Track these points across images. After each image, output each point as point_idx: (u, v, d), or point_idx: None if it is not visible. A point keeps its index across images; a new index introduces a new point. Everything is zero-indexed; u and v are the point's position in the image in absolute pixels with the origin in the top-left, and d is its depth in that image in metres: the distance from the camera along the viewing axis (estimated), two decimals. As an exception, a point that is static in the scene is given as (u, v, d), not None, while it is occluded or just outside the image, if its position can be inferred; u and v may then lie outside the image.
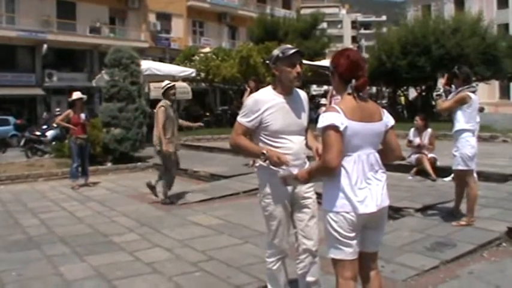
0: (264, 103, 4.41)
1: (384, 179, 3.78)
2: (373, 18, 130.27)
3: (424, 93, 29.82)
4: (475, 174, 9.58)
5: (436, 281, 5.60)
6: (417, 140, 11.41)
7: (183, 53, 32.20)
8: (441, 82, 9.43)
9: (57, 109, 27.74)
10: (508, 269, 5.94)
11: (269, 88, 4.57)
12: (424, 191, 9.65)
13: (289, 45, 4.56)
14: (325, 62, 29.02)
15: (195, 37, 48.68)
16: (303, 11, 48.74)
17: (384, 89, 37.93)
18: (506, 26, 64.23)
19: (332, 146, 3.52)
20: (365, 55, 36.00)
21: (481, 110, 42.39)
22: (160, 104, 10.76)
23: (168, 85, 11.13)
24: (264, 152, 4.31)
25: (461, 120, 7.53)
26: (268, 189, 4.49)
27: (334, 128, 3.52)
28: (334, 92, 13.09)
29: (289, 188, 4.42)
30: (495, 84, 53.48)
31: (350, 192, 3.62)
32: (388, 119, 3.86)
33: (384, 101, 36.71)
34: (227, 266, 6.32)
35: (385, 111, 3.90)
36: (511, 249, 6.70)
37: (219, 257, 6.72)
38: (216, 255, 6.80)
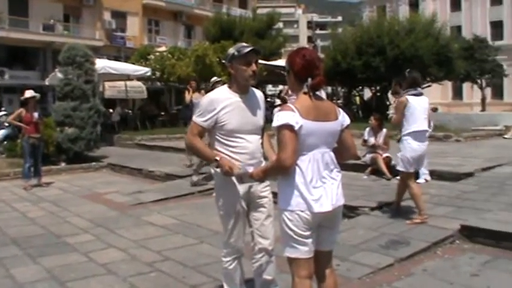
0: (220, 102, 4.37)
1: (339, 178, 3.79)
2: (329, 19, 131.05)
3: (378, 94, 30.16)
4: (427, 173, 9.80)
5: (391, 278, 5.65)
6: (372, 140, 11.53)
7: (139, 52, 31.93)
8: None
9: (3, 108, 27.13)
10: (460, 266, 6.02)
11: (225, 87, 4.54)
12: (379, 189, 9.75)
13: (244, 44, 4.53)
14: (281, 62, 29.10)
15: (150, 36, 48.29)
16: (259, 11, 48.75)
17: (339, 89, 38.21)
18: (459, 28, 65.46)
19: (287, 145, 3.53)
20: (321, 55, 36.19)
21: (434, 110, 43.11)
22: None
23: (216, 80, 11.76)
24: (217, 158, 4.31)
25: (404, 123, 7.72)
26: (224, 189, 4.46)
27: (289, 127, 3.53)
28: (289, 92, 13.24)
29: (245, 188, 4.41)
30: (448, 84, 54.43)
31: (305, 191, 3.63)
32: (344, 118, 3.87)
33: (339, 101, 36.98)
34: (183, 266, 6.27)
35: (341, 110, 3.91)
36: (464, 246, 6.80)
37: (175, 257, 6.67)
38: (171, 255, 6.75)
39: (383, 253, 6.32)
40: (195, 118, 4.47)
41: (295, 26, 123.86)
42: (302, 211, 3.63)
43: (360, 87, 33.60)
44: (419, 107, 7.72)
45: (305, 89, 3.65)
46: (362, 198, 9.00)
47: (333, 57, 28.46)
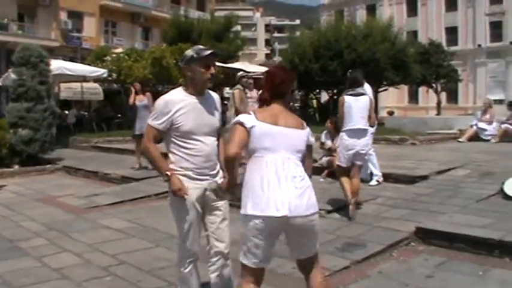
0: (175, 104, 4.36)
1: (305, 187, 3.81)
2: (287, 22, 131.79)
3: (335, 97, 30.30)
4: (380, 175, 9.94)
5: (347, 281, 5.68)
6: (329, 143, 11.59)
7: (95, 53, 31.62)
8: None
9: None
10: (416, 268, 6.09)
11: (180, 89, 4.53)
12: (335, 192, 9.73)
13: (202, 47, 4.53)
14: (238, 65, 29.14)
15: (107, 37, 47.76)
16: (217, 13, 48.62)
17: (296, 92, 38.29)
18: (415, 33, 66.43)
19: (233, 136, 3.81)
20: (278, 58, 36.37)
21: (390, 113, 43.64)
22: (236, 87, 13.11)
23: (242, 74, 13.03)
24: (168, 174, 4.35)
25: (343, 121, 8.31)
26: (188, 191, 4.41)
27: (240, 123, 3.84)
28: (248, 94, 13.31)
29: (199, 191, 4.42)
30: (404, 88, 55.16)
31: (260, 194, 3.70)
32: (310, 134, 4.08)
33: (296, 104, 37.08)
34: (138, 270, 6.21)
35: (308, 129, 4.11)
36: (419, 248, 6.88)
37: (130, 260, 6.59)
38: (127, 259, 6.67)
39: (339, 256, 6.36)
40: (151, 121, 4.43)
41: (253, 29, 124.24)
42: (257, 217, 3.68)
43: (318, 91, 33.76)
44: (355, 106, 8.15)
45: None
46: (318, 201, 8.92)
47: (290, 60, 28.52)
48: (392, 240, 6.90)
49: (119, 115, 29.80)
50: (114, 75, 26.75)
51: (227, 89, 49.01)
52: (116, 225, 8.63)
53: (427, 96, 59.64)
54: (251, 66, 31.70)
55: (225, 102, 38.33)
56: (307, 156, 4.04)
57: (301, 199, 3.74)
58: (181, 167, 4.40)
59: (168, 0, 53.67)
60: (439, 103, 51.45)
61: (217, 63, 20.09)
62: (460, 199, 8.90)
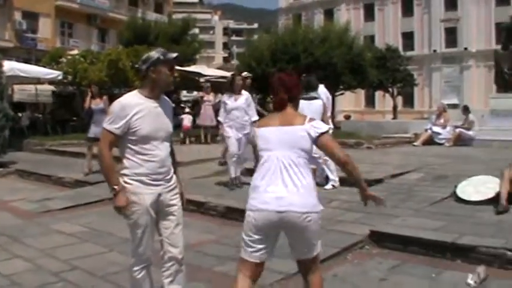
0: (132, 107, 4.28)
1: (303, 184, 3.89)
2: (245, 26, 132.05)
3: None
4: (336, 179, 10.03)
5: (301, 284, 5.67)
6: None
7: (50, 55, 31.13)
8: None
9: None
10: (370, 271, 6.13)
11: (136, 92, 4.44)
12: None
13: (163, 49, 4.51)
14: (195, 68, 29.05)
15: (63, 38, 47.15)
16: (175, 16, 48.48)
17: (254, 95, 38.34)
18: (372, 37, 67.27)
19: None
20: (236, 62, 36.39)
21: (347, 117, 44.05)
22: None
23: (246, 75, 12.39)
24: (116, 188, 4.28)
25: None
26: (132, 197, 4.34)
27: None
28: (205, 97, 13.24)
29: (153, 197, 4.38)
30: (361, 92, 55.75)
31: (256, 190, 3.91)
32: (314, 126, 4.02)
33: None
34: (91, 275, 6.12)
35: (315, 120, 4.15)
36: (373, 251, 6.93)
37: (83, 266, 6.49)
38: (79, 264, 6.57)
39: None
40: (107, 125, 4.32)
41: (212, 32, 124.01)
42: (250, 210, 3.89)
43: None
44: (308, 111, 8.02)
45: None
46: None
47: (247, 64, 28.55)
48: (346, 243, 6.94)
49: (74, 118, 29.42)
50: (70, 78, 26.37)
51: (184, 92, 48.95)
52: (68, 229, 8.48)
53: (384, 100, 60.42)
54: (208, 69, 31.63)
55: (182, 105, 38.30)
56: (326, 145, 4.04)
57: (296, 196, 3.82)
58: (136, 173, 4.34)
59: (125, 2, 53.32)
60: (395, 107, 52.14)
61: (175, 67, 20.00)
62: (413, 202, 9.00)
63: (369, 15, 73.69)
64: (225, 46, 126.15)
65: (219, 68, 43.38)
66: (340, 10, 74.34)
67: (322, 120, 8.25)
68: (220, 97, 22.04)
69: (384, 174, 11.14)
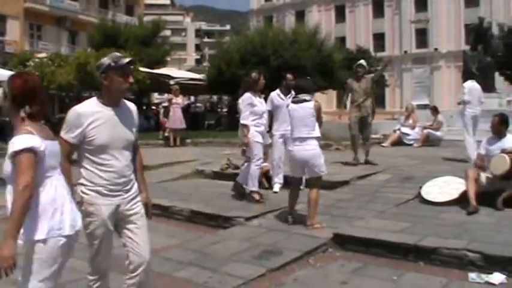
0: (88, 116, 4.14)
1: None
2: (217, 27, 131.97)
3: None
4: (278, 183, 9.97)
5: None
6: (251, 151, 11.48)
7: (18, 58, 30.81)
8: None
9: None
10: (331, 274, 6.11)
11: (94, 99, 4.29)
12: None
13: (119, 54, 4.37)
14: (166, 70, 28.94)
15: (32, 41, 46.68)
16: (146, 18, 48.22)
17: (224, 98, 38.33)
18: (343, 39, 67.66)
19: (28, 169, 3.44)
20: (207, 64, 36.32)
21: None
22: None
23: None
24: (79, 201, 4.14)
25: None
26: (89, 208, 4.21)
27: (30, 150, 3.46)
28: (173, 100, 12.98)
29: (111, 208, 4.26)
30: (333, 94, 55.90)
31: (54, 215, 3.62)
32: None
33: (224, 110, 37.07)
34: (49, 283, 6.00)
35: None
36: (336, 254, 6.91)
37: (42, 273, 6.36)
38: (38, 271, 6.44)
39: (255, 264, 6.32)
40: (63, 134, 4.17)
41: (183, 34, 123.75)
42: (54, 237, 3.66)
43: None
44: (297, 113, 8.00)
45: (22, 115, 3.59)
46: (237, 209, 8.96)
47: (217, 66, 28.45)
48: (309, 246, 6.90)
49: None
50: (37, 81, 26.04)
51: (156, 95, 48.77)
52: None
53: (355, 102, 60.64)
54: (178, 72, 31.53)
55: (153, 107, 38.11)
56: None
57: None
58: (93, 183, 4.21)
59: (95, 4, 52.96)
60: (366, 108, 52.36)
61: (144, 69, 19.86)
62: (379, 204, 9.01)
63: (340, 16, 74.16)
64: (197, 48, 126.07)
65: (190, 70, 43.29)
66: (312, 12, 74.68)
67: (318, 123, 8.09)
68: (184, 99, 21.95)
69: (350, 176, 11.13)
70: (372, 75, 13.68)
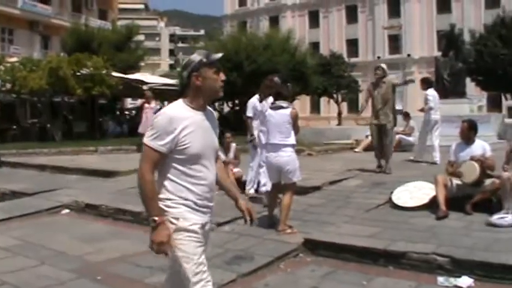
0: (181, 121, 3.64)
1: None
2: (192, 32, 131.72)
3: (237, 108, 30.39)
4: (251, 187, 10.01)
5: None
6: (223, 157, 11.49)
7: (-12, 62, 30.50)
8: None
9: None
10: (302, 279, 6.16)
11: (181, 102, 3.78)
12: (228, 205, 9.63)
13: (204, 50, 3.96)
14: (139, 76, 28.78)
15: (3, 45, 46.07)
16: (119, 23, 47.96)
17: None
18: (317, 44, 68.00)
19: None
20: (180, 69, 36.19)
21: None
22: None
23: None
24: (156, 220, 3.57)
25: None
26: (183, 224, 3.66)
27: None
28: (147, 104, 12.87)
29: (201, 226, 3.73)
30: (306, 99, 56.19)
31: None
32: None
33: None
34: (20, 291, 5.98)
35: None
36: (307, 259, 6.97)
37: (12, 281, 6.33)
38: (9, 279, 6.40)
39: (226, 269, 6.35)
40: (150, 141, 3.64)
41: (157, 39, 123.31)
42: None
43: (221, 102, 33.82)
44: (274, 120, 8.04)
45: None
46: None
47: (190, 71, 28.44)
48: (280, 252, 6.95)
49: (14, 126, 28.86)
50: (8, 86, 25.80)
51: (130, 100, 48.56)
52: (0, 243, 8.26)
53: (329, 107, 61.00)
54: (151, 77, 31.40)
55: (126, 112, 37.94)
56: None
57: None
58: (181, 197, 3.68)
59: (68, 8, 52.48)
60: (340, 113, 52.69)
61: (117, 74, 19.74)
62: (350, 209, 9.08)
63: (314, 22, 74.50)
64: (172, 53, 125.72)
65: (163, 76, 43.15)
66: (285, 17, 74.97)
67: (295, 130, 8.14)
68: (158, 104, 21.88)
69: (322, 181, 11.18)
70: (394, 79, 13.51)
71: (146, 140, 3.65)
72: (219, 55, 3.85)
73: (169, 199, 3.67)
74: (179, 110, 3.70)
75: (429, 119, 13.95)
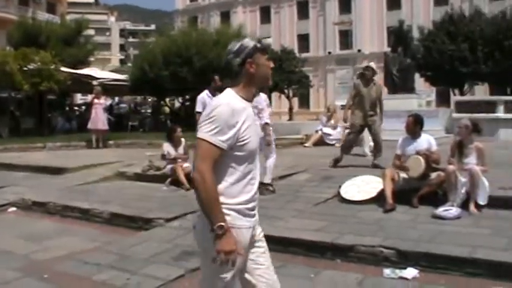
0: (241, 113, 3.29)
1: None
2: (142, 27, 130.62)
3: (188, 103, 30.24)
4: None
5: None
6: (173, 153, 11.46)
7: None
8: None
9: None
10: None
11: (233, 92, 3.40)
12: (177, 200, 9.74)
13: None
14: (88, 71, 28.39)
15: None
16: (69, 17, 47.24)
17: (150, 99, 38.03)
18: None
19: None
20: (131, 64, 35.90)
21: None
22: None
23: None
24: (224, 225, 3.17)
25: None
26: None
27: None
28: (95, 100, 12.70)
29: (250, 231, 3.43)
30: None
31: None
32: None
33: (148, 111, 36.77)
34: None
35: None
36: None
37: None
38: None
39: (174, 265, 6.35)
40: (210, 136, 3.22)
41: (108, 33, 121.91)
42: None
43: (173, 97, 33.65)
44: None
45: None
46: (158, 210, 8.96)
47: (140, 66, 28.16)
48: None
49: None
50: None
51: (79, 96, 47.87)
52: None
53: (280, 102, 61.16)
54: (101, 72, 31.02)
55: (76, 108, 37.40)
56: None
57: None
58: (234, 199, 3.32)
59: (15, 1, 51.41)
60: (291, 108, 52.90)
61: (66, 69, 19.42)
62: (299, 203, 9.14)
63: (265, 17, 74.71)
64: (122, 48, 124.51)
65: (114, 71, 42.68)
66: (237, 12, 74.95)
67: None
68: (107, 99, 21.62)
69: (271, 176, 11.21)
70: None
71: (205, 135, 3.23)
72: (270, 40, 3.55)
73: (222, 203, 3.25)
74: (237, 101, 3.33)
75: None
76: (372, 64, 12.95)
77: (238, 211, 3.29)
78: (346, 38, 67.97)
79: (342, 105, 25.15)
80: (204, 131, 3.22)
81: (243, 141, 3.26)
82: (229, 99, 3.31)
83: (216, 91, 10.55)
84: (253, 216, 3.42)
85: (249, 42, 3.41)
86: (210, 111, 3.26)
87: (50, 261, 6.86)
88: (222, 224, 3.14)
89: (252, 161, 3.38)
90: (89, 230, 8.64)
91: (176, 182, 10.96)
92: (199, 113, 10.32)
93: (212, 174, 3.18)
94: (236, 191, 3.31)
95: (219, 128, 3.18)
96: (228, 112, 3.21)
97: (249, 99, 3.42)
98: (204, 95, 10.83)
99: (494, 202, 8.10)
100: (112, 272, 6.21)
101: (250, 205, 3.36)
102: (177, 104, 34.33)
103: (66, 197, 10.37)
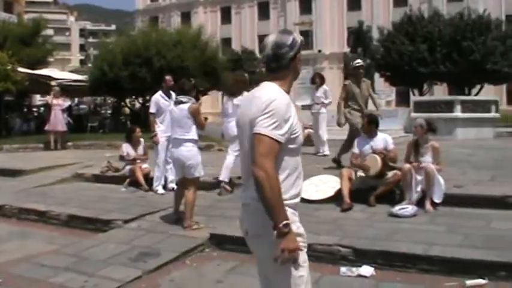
0: (291, 106, 3.20)
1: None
2: (103, 27, 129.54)
3: (148, 104, 30.03)
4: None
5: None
6: (132, 153, 11.42)
7: None
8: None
9: None
10: (207, 273, 6.21)
11: (278, 87, 3.27)
12: (135, 201, 9.71)
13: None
14: (47, 71, 28.02)
15: None
16: (27, 16, 46.59)
17: (110, 99, 37.66)
18: (229, 40, 68.23)
19: None
20: (91, 64, 35.47)
21: (205, 119, 44.40)
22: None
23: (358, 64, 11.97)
24: (289, 223, 3.01)
25: None
26: (298, 230, 3.22)
27: None
28: (54, 101, 12.56)
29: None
30: (217, 95, 56.25)
31: None
32: None
33: (108, 111, 36.41)
34: None
35: None
36: (213, 254, 7.01)
37: None
38: None
39: (132, 266, 6.34)
40: (271, 132, 3.07)
41: (67, 33, 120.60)
42: None
43: (133, 97, 33.40)
44: (175, 115, 8.10)
45: None
46: (116, 211, 8.92)
47: (100, 66, 27.88)
48: (186, 247, 6.97)
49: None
50: None
51: (38, 97, 47.19)
52: None
53: (242, 102, 61.26)
54: (60, 73, 30.66)
55: (34, 109, 36.85)
56: None
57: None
58: (289, 195, 3.19)
59: (-30, 0, 50.64)
60: (252, 107, 53.03)
61: (23, 70, 19.10)
62: (257, 203, 9.13)
63: (226, 18, 74.76)
64: (82, 48, 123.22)
65: (74, 71, 42.22)
66: (197, 13, 74.86)
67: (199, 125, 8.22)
68: (66, 100, 21.41)
69: (232, 174, 11.23)
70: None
71: (265, 130, 3.07)
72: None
73: None
74: (285, 95, 3.23)
75: (320, 113, 15.09)
76: (361, 61, 12.91)
77: (292, 206, 3.18)
78: (306, 39, 68.22)
79: (302, 106, 25.37)
80: (263, 126, 3.07)
81: (295, 134, 3.18)
82: (281, 93, 3.21)
83: (168, 91, 10.66)
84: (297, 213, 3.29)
85: (298, 36, 3.31)
86: (266, 106, 3.13)
87: (5, 265, 6.78)
88: (288, 221, 2.99)
89: (299, 155, 3.29)
90: (46, 232, 8.56)
91: (135, 183, 10.92)
92: (153, 114, 10.57)
93: (276, 170, 3.06)
94: (288, 185, 3.19)
95: (277, 123, 3.07)
96: (284, 106, 3.13)
97: (288, 93, 3.29)
98: (158, 95, 10.80)
99: (450, 200, 8.24)
100: (69, 274, 6.17)
101: (298, 199, 3.28)
102: (137, 105, 34.07)
103: (22, 199, 10.25)
